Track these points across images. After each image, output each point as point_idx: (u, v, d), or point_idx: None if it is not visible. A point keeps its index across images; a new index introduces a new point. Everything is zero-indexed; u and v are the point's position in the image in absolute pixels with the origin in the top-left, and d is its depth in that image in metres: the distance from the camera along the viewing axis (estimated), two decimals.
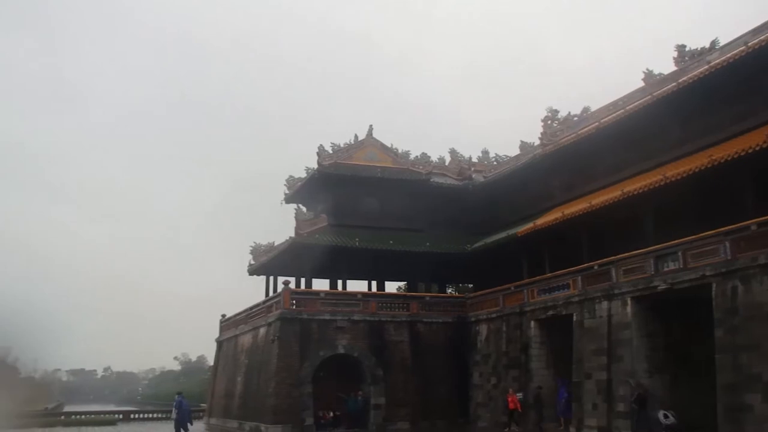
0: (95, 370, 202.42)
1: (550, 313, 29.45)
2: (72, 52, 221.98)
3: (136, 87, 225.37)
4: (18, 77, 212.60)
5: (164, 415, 57.28)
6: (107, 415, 54.10)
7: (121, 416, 53.84)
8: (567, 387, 27.56)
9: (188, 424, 28.07)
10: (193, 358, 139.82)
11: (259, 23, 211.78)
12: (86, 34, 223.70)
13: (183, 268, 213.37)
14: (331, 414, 32.33)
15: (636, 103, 29.83)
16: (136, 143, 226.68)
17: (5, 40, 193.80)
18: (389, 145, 40.98)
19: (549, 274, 30.21)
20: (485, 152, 44.62)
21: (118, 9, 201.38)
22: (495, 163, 43.47)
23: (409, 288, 44.20)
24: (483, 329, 34.29)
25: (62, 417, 52.25)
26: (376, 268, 38.60)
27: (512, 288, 32.50)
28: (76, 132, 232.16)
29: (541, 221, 31.37)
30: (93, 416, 53.47)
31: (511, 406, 29.39)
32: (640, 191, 24.96)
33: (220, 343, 44.52)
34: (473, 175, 41.70)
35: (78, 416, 52.48)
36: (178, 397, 29.09)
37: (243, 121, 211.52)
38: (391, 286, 44.65)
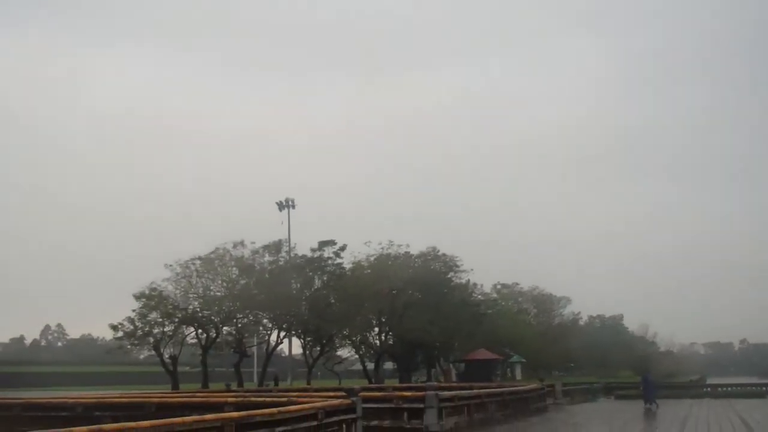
0: (731, 343, 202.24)
1: None
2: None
3: None
4: None
5: None
6: (753, 388, 51.25)
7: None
8: None
9: (652, 400, 33.71)
10: None
11: None
12: None
13: None
14: None
15: None
16: None
17: None
18: None
19: None
20: None
21: None
22: None
23: None
24: None
25: (707, 389, 52.04)
26: None
27: None
28: None
29: None
30: (738, 388, 51.48)
31: None
32: None
33: None
34: None
35: (723, 388, 51.34)
36: (646, 374, 36.56)
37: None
38: None
